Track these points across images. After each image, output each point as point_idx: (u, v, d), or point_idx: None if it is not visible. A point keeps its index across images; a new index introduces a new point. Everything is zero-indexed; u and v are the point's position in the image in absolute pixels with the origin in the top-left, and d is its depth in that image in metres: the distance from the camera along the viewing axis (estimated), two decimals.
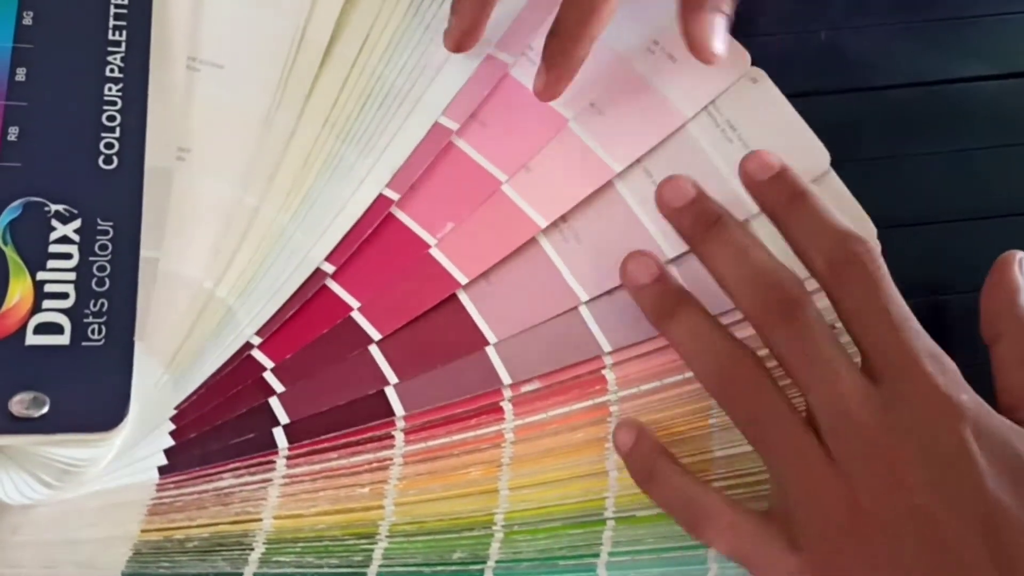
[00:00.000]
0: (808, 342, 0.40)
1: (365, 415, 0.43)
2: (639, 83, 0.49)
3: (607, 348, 0.45)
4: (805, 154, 0.47)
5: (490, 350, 0.44)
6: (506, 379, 0.44)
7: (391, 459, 0.43)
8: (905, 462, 0.37)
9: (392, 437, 0.43)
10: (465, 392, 0.44)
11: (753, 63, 0.49)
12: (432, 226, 0.46)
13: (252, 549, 0.41)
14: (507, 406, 0.44)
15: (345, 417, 0.43)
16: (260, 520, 0.42)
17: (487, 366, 0.44)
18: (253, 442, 0.42)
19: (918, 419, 0.38)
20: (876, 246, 0.42)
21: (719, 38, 0.46)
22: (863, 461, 0.38)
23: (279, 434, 0.43)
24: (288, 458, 0.42)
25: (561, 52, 0.45)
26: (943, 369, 0.39)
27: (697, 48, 0.46)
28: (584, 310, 0.45)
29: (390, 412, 0.43)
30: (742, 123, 0.48)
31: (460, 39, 0.47)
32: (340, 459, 0.43)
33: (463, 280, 0.45)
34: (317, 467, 0.42)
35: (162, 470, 0.42)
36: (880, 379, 0.39)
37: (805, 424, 0.39)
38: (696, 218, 0.43)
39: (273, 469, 0.42)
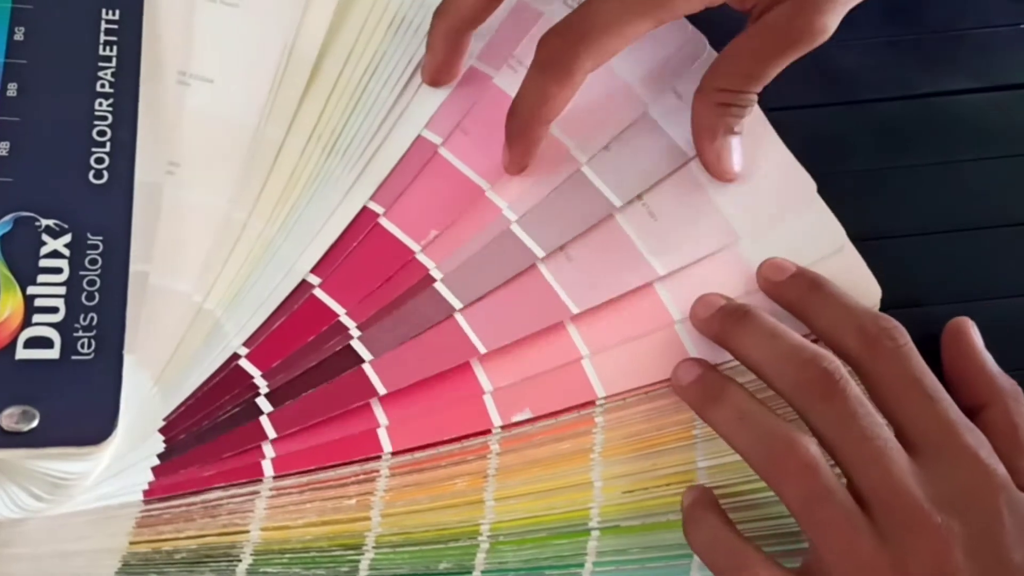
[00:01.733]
0: (852, 420, 0.40)
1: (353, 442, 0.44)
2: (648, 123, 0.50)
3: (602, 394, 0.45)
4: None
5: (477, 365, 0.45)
6: (487, 387, 0.44)
7: (378, 471, 0.43)
8: (952, 536, 0.38)
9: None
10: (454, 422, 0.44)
11: None
12: (416, 233, 0.47)
13: (240, 560, 0.41)
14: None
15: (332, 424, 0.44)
16: (247, 532, 0.42)
17: (472, 375, 0.45)
18: (241, 452, 0.43)
19: (963, 491, 0.39)
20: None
21: (735, 160, 0.48)
22: (913, 537, 0.38)
23: (267, 444, 0.43)
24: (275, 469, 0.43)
25: (520, 133, 0.46)
26: (980, 441, 0.40)
27: (716, 173, 0.48)
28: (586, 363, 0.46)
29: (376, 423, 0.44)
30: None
31: (434, 75, 0.49)
32: (327, 471, 0.43)
33: (436, 270, 0.46)
34: (304, 479, 0.42)
35: (150, 482, 0.42)
36: (919, 451, 0.40)
37: (854, 502, 0.39)
38: (725, 317, 0.44)
39: (260, 481, 0.42)
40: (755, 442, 0.41)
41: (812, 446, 0.40)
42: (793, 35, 0.45)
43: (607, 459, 0.44)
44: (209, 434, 0.43)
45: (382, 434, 0.43)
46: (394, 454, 0.43)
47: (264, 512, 0.42)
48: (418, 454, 0.43)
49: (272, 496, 0.42)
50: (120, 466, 0.42)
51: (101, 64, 0.47)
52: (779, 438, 0.40)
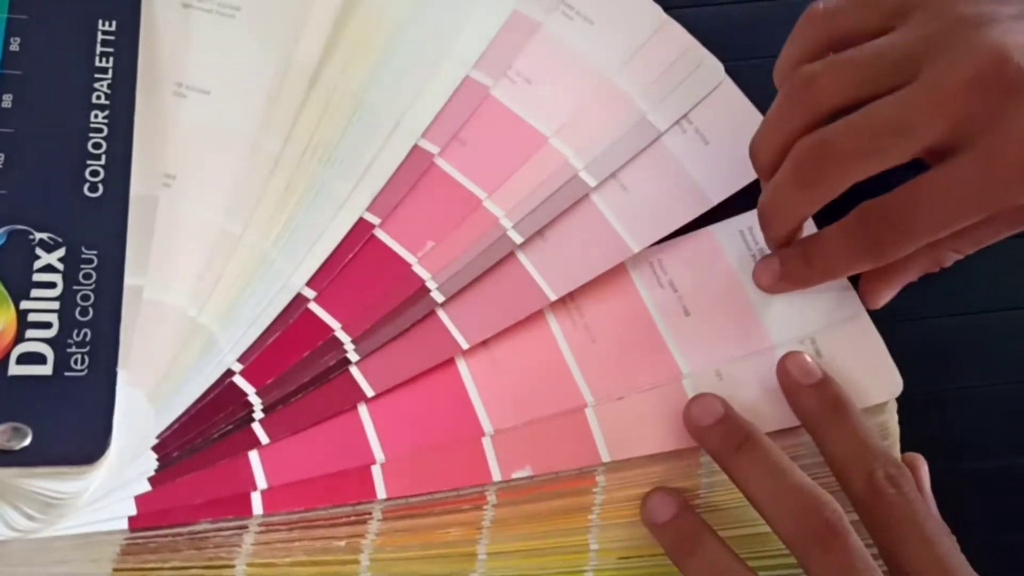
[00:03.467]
0: (852, 574, 0.39)
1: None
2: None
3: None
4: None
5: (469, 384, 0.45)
6: (488, 428, 0.44)
7: (370, 513, 0.43)
8: None
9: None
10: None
11: (742, 88, 0.50)
12: (413, 245, 0.46)
13: None
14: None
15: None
16: (233, 567, 0.42)
17: (468, 408, 0.45)
18: (232, 478, 0.43)
19: None
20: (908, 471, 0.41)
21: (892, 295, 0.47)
22: None
23: (260, 475, 0.43)
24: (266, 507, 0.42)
25: (801, 279, 0.46)
26: None
27: (871, 301, 0.47)
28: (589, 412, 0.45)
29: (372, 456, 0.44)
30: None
31: (776, 283, 0.47)
32: (318, 508, 0.42)
33: (431, 281, 0.46)
34: (294, 516, 0.42)
35: (139, 506, 0.41)
36: None
37: None
38: (724, 437, 0.43)
39: (250, 515, 0.42)
40: None
41: None
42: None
43: (606, 521, 0.44)
44: (202, 453, 0.43)
45: (376, 473, 0.43)
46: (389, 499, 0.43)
47: (251, 547, 0.42)
48: (412, 498, 0.43)
49: (260, 532, 0.42)
50: (112, 484, 0.42)
51: (97, 75, 0.46)
52: None
